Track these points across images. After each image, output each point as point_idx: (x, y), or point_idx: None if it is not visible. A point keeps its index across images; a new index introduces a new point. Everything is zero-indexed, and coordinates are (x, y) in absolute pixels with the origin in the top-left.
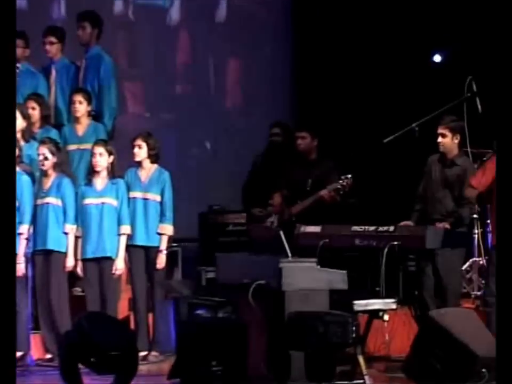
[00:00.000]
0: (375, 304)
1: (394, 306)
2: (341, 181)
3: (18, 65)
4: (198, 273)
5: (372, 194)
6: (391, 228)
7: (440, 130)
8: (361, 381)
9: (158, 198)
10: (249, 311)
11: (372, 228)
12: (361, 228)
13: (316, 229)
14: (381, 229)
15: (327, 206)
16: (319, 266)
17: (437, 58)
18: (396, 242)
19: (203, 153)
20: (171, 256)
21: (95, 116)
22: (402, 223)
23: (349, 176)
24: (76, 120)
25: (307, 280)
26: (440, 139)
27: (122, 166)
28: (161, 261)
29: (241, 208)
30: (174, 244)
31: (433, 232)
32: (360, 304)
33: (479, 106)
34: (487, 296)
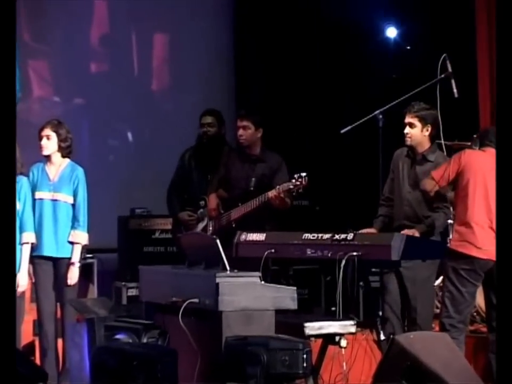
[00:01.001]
0: (330, 327)
1: (353, 329)
2: (294, 181)
3: None
4: (118, 290)
5: (327, 196)
6: (350, 236)
7: (407, 120)
8: None
9: (70, 200)
10: (180, 335)
11: (327, 236)
12: (313, 236)
13: (259, 236)
14: (337, 237)
15: (275, 210)
16: (263, 282)
17: (391, 32)
18: (355, 253)
19: (124, 146)
20: (85, 269)
21: None
22: (363, 230)
23: (304, 174)
24: None
25: (249, 298)
26: (407, 130)
27: (27, 161)
28: (73, 276)
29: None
30: (89, 255)
31: (400, 241)
32: (313, 327)
33: (455, 90)
34: (443, 318)
